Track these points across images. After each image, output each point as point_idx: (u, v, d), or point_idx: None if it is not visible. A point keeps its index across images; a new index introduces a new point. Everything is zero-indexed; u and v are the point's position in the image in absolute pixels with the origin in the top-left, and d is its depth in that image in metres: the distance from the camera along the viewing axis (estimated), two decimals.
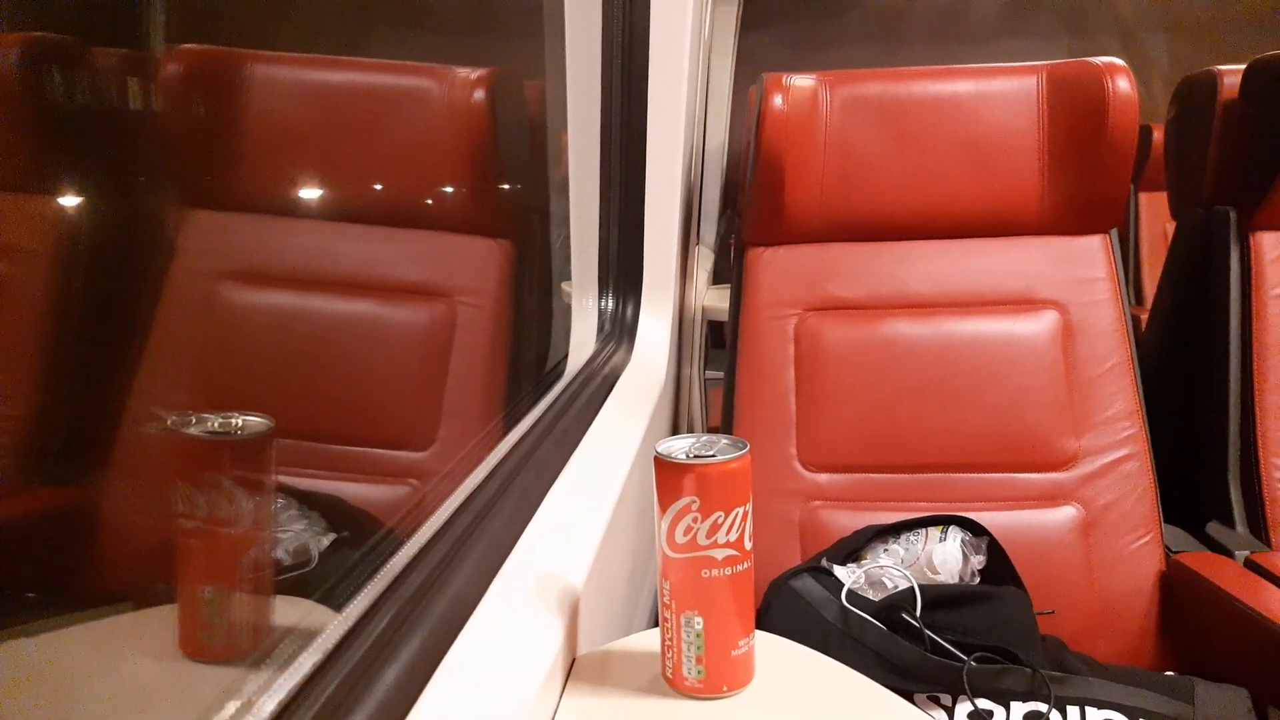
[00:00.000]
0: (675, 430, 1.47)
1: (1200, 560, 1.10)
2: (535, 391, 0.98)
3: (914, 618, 0.88)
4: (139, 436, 0.61)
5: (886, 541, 1.04)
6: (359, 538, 0.84)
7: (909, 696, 0.84)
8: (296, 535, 0.79)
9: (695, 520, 0.50)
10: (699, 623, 0.51)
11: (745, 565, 0.52)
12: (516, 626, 0.50)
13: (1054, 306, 1.20)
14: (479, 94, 1.13)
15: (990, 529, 1.03)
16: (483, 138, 1.15)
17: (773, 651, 0.57)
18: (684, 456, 0.51)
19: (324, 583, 0.54)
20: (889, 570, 0.98)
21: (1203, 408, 1.30)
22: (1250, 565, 1.10)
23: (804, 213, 1.24)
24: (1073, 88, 1.20)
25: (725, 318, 1.34)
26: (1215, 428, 1.27)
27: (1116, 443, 1.16)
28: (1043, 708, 0.83)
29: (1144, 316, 1.59)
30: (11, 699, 0.42)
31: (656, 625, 0.54)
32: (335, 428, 1.07)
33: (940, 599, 0.91)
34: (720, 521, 0.50)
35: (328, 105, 1.14)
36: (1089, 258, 1.22)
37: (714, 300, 1.95)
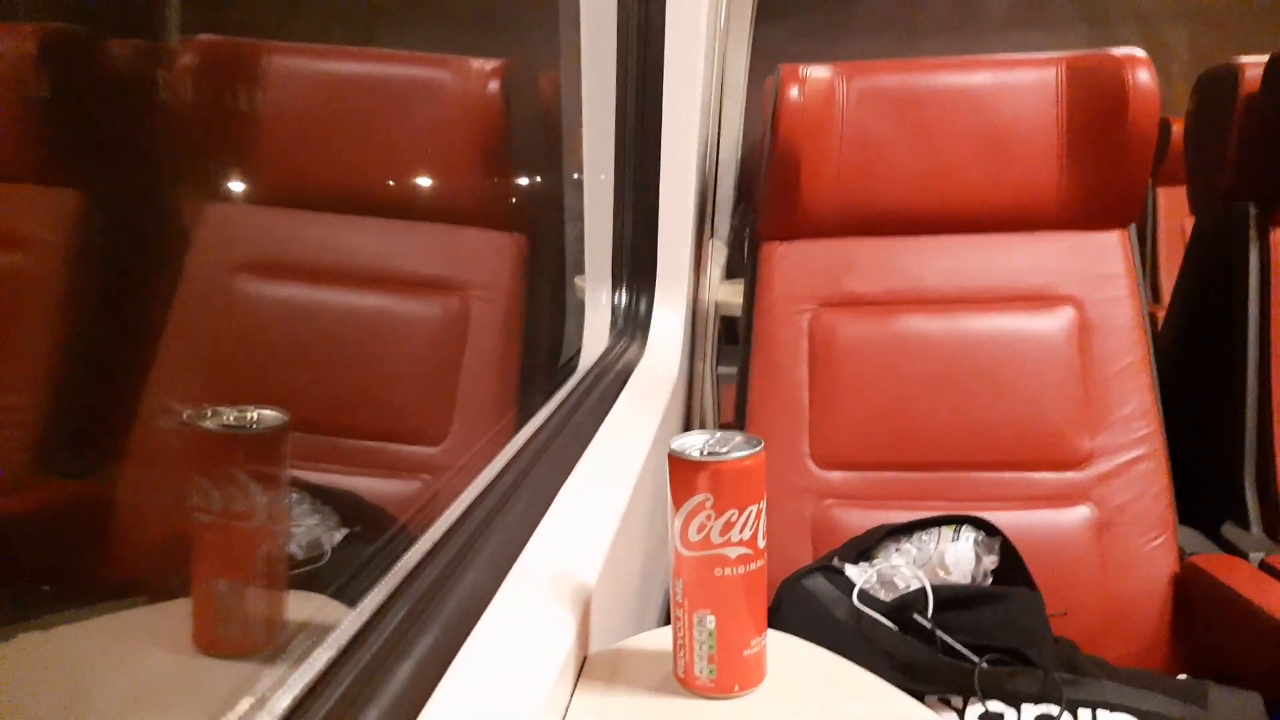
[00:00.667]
0: (687, 426, 1.46)
1: (1215, 562, 1.10)
2: (548, 387, 0.99)
3: (926, 618, 0.88)
4: (154, 429, 0.62)
5: (899, 541, 1.04)
6: (372, 533, 0.84)
7: (920, 697, 0.84)
8: (309, 530, 0.80)
9: (709, 518, 0.50)
10: (711, 621, 0.51)
11: (758, 564, 0.51)
12: (529, 624, 0.50)
13: (1071, 303, 1.19)
14: (493, 85, 1.13)
15: (1003, 529, 1.02)
16: (497, 130, 1.14)
17: (784, 651, 0.56)
18: (698, 454, 0.51)
19: (337, 578, 0.54)
20: (901, 570, 0.98)
21: (1219, 407, 1.29)
22: (1265, 567, 1.09)
23: (819, 206, 1.24)
24: (1092, 80, 1.19)
25: (739, 313, 1.34)
26: (1231, 428, 1.26)
27: (1132, 442, 1.15)
28: (1054, 710, 0.82)
29: (1160, 314, 1.57)
30: (26, 691, 0.43)
31: (668, 624, 0.54)
32: (348, 421, 1.07)
33: (952, 599, 0.91)
34: (734, 519, 0.50)
35: (343, 97, 1.14)
36: (1107, 253, 1.21)
37: (727, 295, 1.94)
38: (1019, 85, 1.22)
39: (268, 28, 1.02)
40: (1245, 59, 1.35)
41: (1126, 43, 1.21)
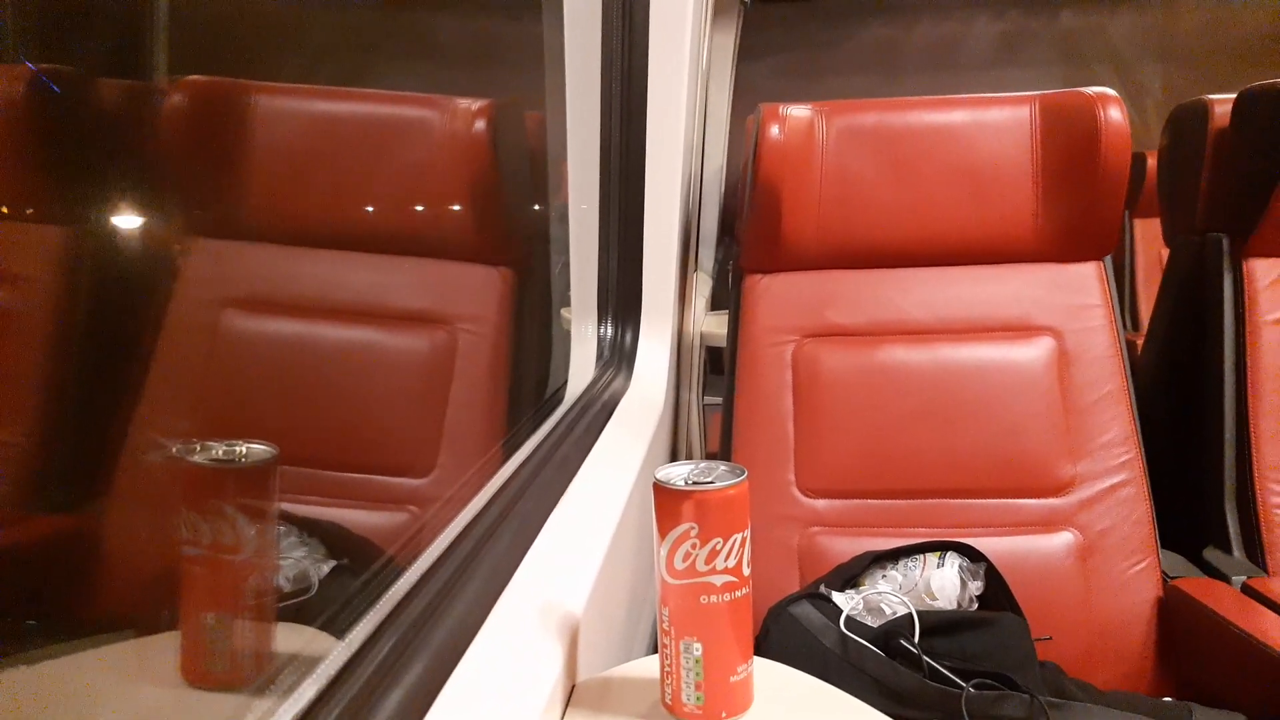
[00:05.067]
0: (674, 456, 1.47)
1: (1197, 586, 1.10)
2: (535, 418, 0.99)
3: (912, 644, 0.88)
4: (143, 463, 0.62)
5: (885, 567, 1.05)
6: (359, 565, 0.84)
7: None
8: (296, 562, 0.80)
9: (694, 546, 0.51)
10: (698, 649, 0.51)
11: (744, 591, 0.52)
12: (516, 653, 0.50)
13: (1049, 333, 1.21)
14: (480, 124, 1.15)
15: (988, 555, 1.03)
16: (483, 167, 1.16)
17: (772, 678, 0.57)
18: (683, 483, 0.52)
19: (325, 610, 0.54)
20: (887, 596, 0.98)
21: (1198, 433, 1.31)
22: (1247, 590, 1.10)
23: (801, 240, 1.26)
24: (1065, 117, 1.22)
25: (723, 344, 1.35)
26: (1211, 453, 1.28)
27: (1113, 468, 1.16)
28: None
29: (1139, 342, 1.60)
30: None
31: (656, 652, 0.54)
32: (335, 454, 1.07)
33: (938, 625, 0.91)
34: (719, 548, 0.51)
35: (331, 135, 1.16)
36: (1083, 284, 1.24)
37: (712, 326, 1.96)
38: (994, 123, 1.25)
39: (256, 68, 1.04)
40: (1214, 96, 1.38)
41: (1102, 82, 1.24)
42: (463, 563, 0.58)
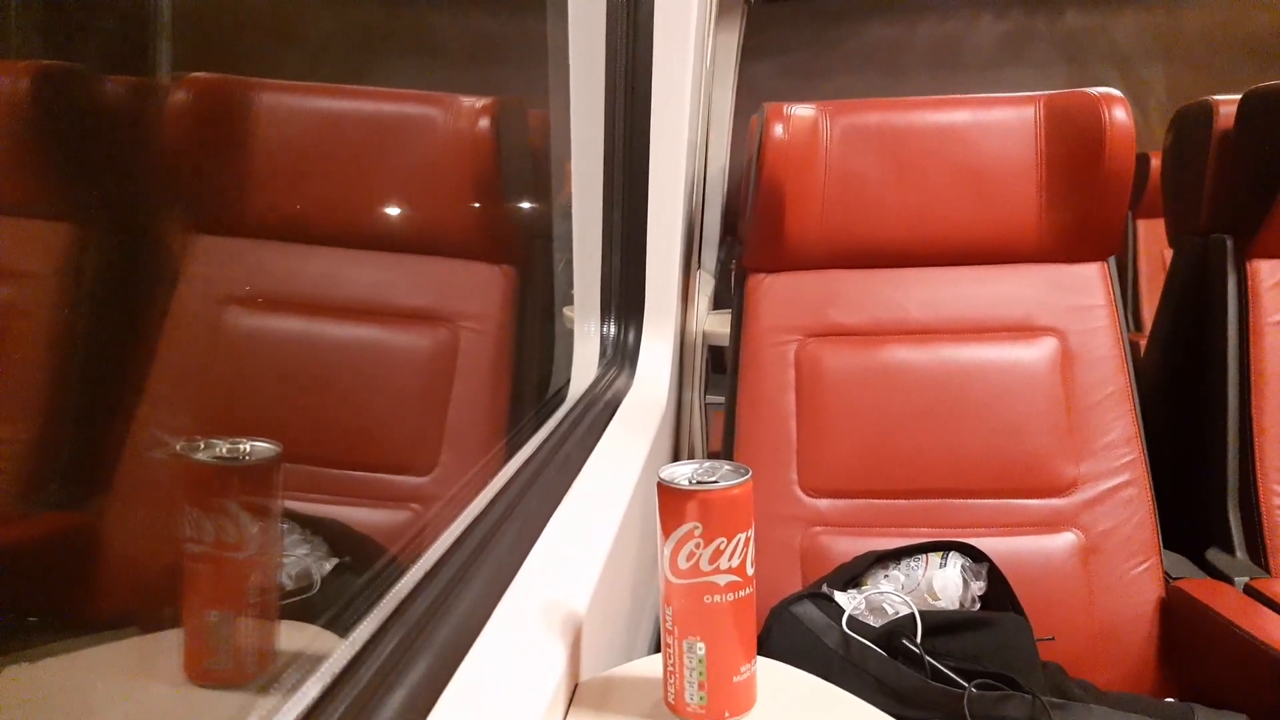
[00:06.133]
0: (676, 455, 1.47)
1: (1200, 587, 1.10)
2: (538, 417, 0.99)
3: (915, 644, 0.88)
4: (146, 461, 0.62)
5: (887, 567, 1.05)
6: (361, 563, 0.84)
7: None
8: (299, 560, 0.80)
9: (698, 546, 0.51)
10: (701, 648, 0.51)
11: (747, 591, 0.52)
12: (520, 653, 0.50)
13: (1053, 333, 1.21)
14: (484, 122, 1.15)
15: (990, 555, 1.03)
16: (487, 164, 1.16)
17: (774, 677, 0.57)
18: (687, 483, 0.51)
19: (327, 608, 0.54)
20: (889, 596, 0.98)
21: (1201, 434, 1.31)
22: (1250, 592, 1.10)
23: (804, 239, 1.26)
24: (1070, 117, 1.22)
25: (726, 343, 1.35)
26: (1214, 454, 1.27)
27: (1116, 469, 1.16)
28: None
29: (1143, 342, 1.60)
30: None
31: (659, 651, 0.54)
32: (337, 452, 1.07)
33: (941, 625, 0.91)
34: (722, 547, 0.51)
35: (334, 132, 1.16)
36: (1087, 285, 1.23)
37: (715, 325, 1.96)
38: (998, 123, 1.25)
39: (260, 65, 1.04)
40: (1219, 97, 1.38)
41: (1105, 82, 1.24)
42: (466, 562, 0.58)
